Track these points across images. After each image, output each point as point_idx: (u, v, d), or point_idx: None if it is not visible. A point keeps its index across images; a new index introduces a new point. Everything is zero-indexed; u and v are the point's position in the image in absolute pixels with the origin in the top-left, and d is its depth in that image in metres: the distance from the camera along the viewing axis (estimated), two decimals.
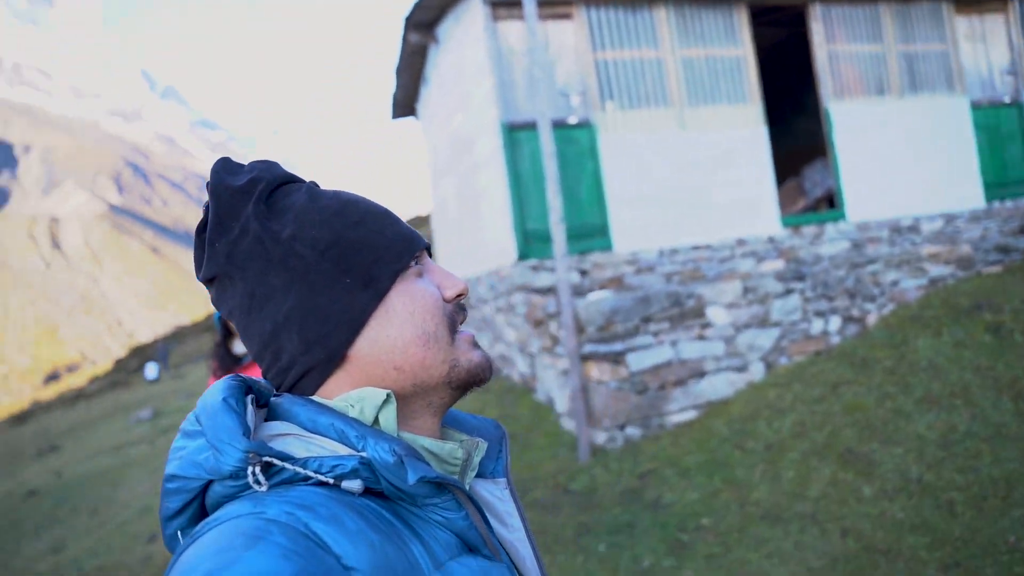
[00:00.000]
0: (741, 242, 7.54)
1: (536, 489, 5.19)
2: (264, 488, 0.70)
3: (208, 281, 0.84)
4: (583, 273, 7.06)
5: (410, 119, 11.63)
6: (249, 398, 0.79)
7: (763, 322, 5.78)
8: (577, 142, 7.24)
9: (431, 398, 0.84)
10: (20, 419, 37.79)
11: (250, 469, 0.70)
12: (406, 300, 0.82)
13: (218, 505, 0.73)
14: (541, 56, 7.31)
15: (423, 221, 34.08)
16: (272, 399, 0.83)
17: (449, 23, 8.30)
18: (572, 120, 7.23)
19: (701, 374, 5.59)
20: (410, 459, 0.74)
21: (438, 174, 10.46)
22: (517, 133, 7.08)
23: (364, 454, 0.74)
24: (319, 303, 0.80)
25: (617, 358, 5.44)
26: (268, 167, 0.86)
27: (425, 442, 0.82)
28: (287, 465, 0.71)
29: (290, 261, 0.80)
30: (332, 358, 0.81)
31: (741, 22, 7.83)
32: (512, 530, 0.90)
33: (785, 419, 4.99)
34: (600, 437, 5.45)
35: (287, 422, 0.79)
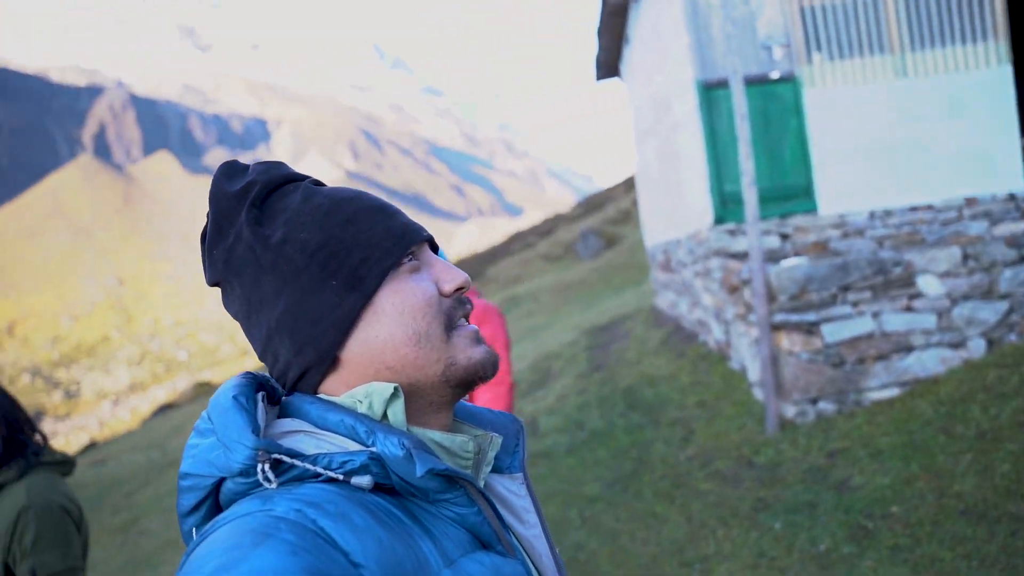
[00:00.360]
0: (971, 201, 6.74)
1: (719, 460, 5.08)
2: (274, 485, 0.71)
3: (214, 286, 0.87)
4: (784, 237, 6.69)
5: (615, 80, 11.51)
6: (260, 395, 0.80)
7: (987, 294, 5.17)
8: (780, 98, 6.81)
9: (431, 396, 0.83)
10: None
11: (259, 466, 0.71)
12: (396, 299, 0.81)
13: (231, 502, 0.74)
14: (740, 8, 6.93)
15: (628, 184, 33.68)
16: (284, 397, 0.84)
17: None
18: (774, 75, 6.80)
19: (908, 349, 5.12)
20: (418, 452, 0.73)
21: (641, 136, 10.30)
22: (714, 91, 6.79)
23: (374, 449, 0.74)
24: (308, 306, 0.80)
25: (810, 328, 5.13)
26: (266, 169, 0.86)
27: (435, 435, 0.82)
28: (296, 462, 0.72)
29: (280, 265, 0.81)
30: (323, 360, 0.81)
31: None
32: (529, 526, 0.89)
33: (1006, 405, 4.46)
34: (790, 410, 5.19)
35: (298, 419, 0.80)
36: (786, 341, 5.17)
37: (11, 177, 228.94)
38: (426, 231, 0.87)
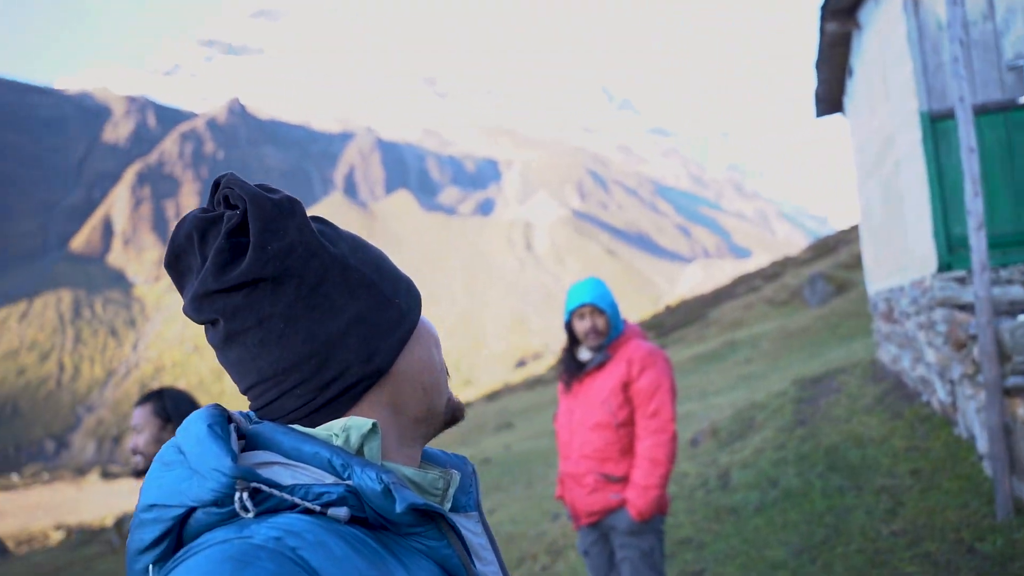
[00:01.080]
0: None
1: (930, 540, 4.41)
2: (251, 515, 0.70)
3: (241, 285, 0.79)
4: None
5: (837, 116, 10.74)
6: (232, 426, 0.79)
7: None
8: None
9: (429, 427, 0.90)
10: (491, 397, 43.98)
11: (237, 495, 0.70)
12: (424, 331, 0.90)
13: (198, 535, 0.72)
14: (980, 26, 6.16)
15: (845, 235, 31.33)
16: (252, 427, 0.82)
17: (870, 5, 7.46)
18: (1023, 100, 5.96)
19: None
20: (397, 487, 0.75)
21: (864, 175, 9.48)
22: (943, 123, 6.07)
23: (350, 482, 0.74)
24: (378, 318, 0.84)
25: None
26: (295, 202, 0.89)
27: (407, 471, 0.84)
28: (274, 492, 0.71)
29: (349, 275, 0.83)
30: (382, 370, 0.84)
31: None
32: (486, 563, 0.91)
33: None
34: None
35: (269, 451, 0.79)
36: (1022, 409, 4.41)
37: None
38: None
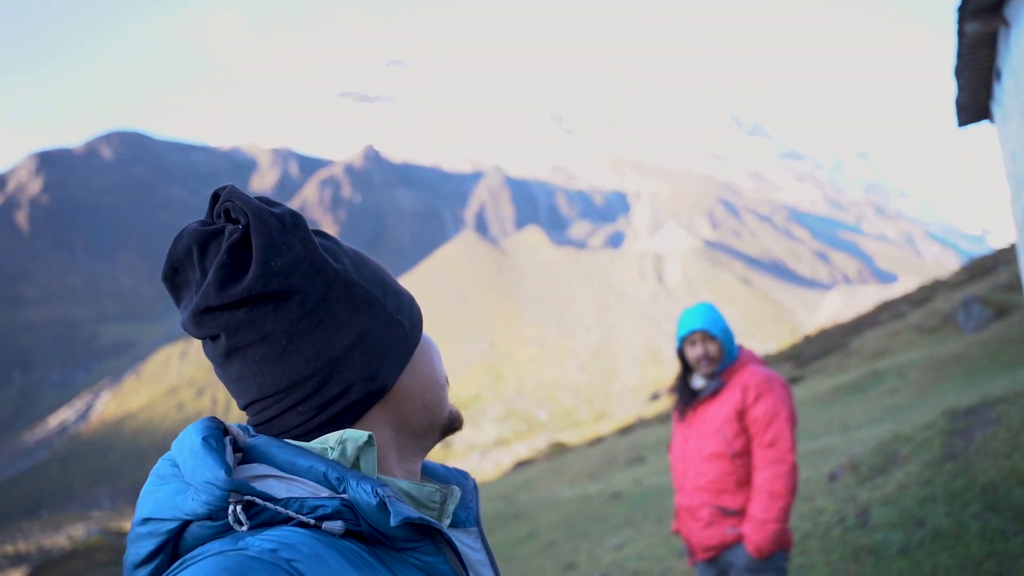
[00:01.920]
0: None
1: None
2: (245, 528, 0.70)
3: (244, 301, 0.78)
4: None
5: (982, 123, 9.96)
6: (228, 439, 0.79)
7: None
8: None
9: (430, 440, 0.90)
10: (624, 432, 43.36)
11: (231, 508, 0.70)
12: (426, 347, 0.90)
13: (192, 548, 0.72)
14: None
15: (1005, 254, 28.95)
16: (249, 441, 0.81)
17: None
18: None
19: None
20: (392, 501, 0.74)
21: (1018, 187, 8.72)
22: None
23: (345, 496, 0.74)
24: (383, 336, 0.83)
25: None
26: (298, 215, 0.88)
27: (403, 484, 0.83)
28: (269, 504, 0.71)
29: (353, 291, 0.82)
30: (386, 388, 0.84)
31: None
32: None
33: None
34: None
35: (264, 464, 0.78)
36: None
37: (410, 252, 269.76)
38: None
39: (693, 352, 3.27)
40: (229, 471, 0.72)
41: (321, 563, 0.66)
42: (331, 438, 0.79)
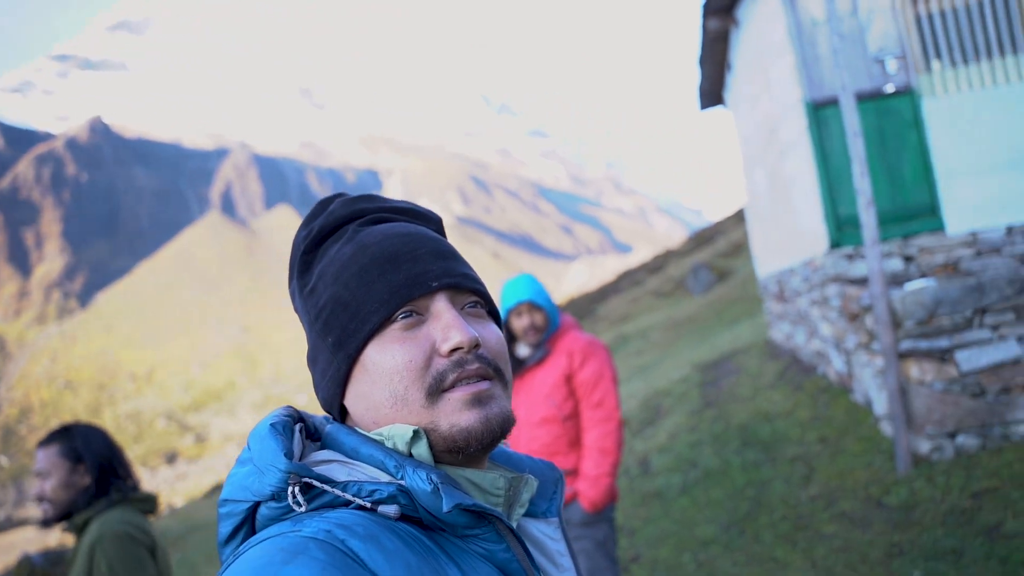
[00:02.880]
0: None
1: (844, 500, 4.69)
2: (303, 508, 0.72)
3: None
4: (907, 259, 6.24)
5: (720, 108, 11.24)
6: (298, 427, 0.83)
7: None
8: (897, 113, 6.42)
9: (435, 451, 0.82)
10: None
11: (290, 489, 0.73)
12: (378, 358, 0.81)
13: (264, 528, 0.75)
14: (848, 22, 6.62)
15: (739, 216, 32.81)
16: (327, 428, 0.86)
17: (747, 3, 7.86)
18: (889, 89, 6.43)
19: None
20: (446, 487, 0.74)
21: (749, 164, 9.96)
22: (824, 111, 6.47)
23: (403, 482, 0.75)
24: (317, 357, 0.87)
25: (943, 356, 4.71)
26: (335, 210, 0.90)
27: (467, 472, 0.82)
28: (326, 488, 0.73)
29: (305, 317, 0.88)
30: (330, 407, 0.87)
31: None
32: (562, 570, 0.90)
33: None
34: (924, 446, 4.75)
35: (333, 450, 0.82)
36: (915, 370, 4.76)
37: (150, 236, 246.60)
38: (448, 278, 0.84)
39: (520, 323, 3.41)
40: (290, 455, 0.75)
41: (375, 543, 0.68)
42: (384, 430, 0.81)
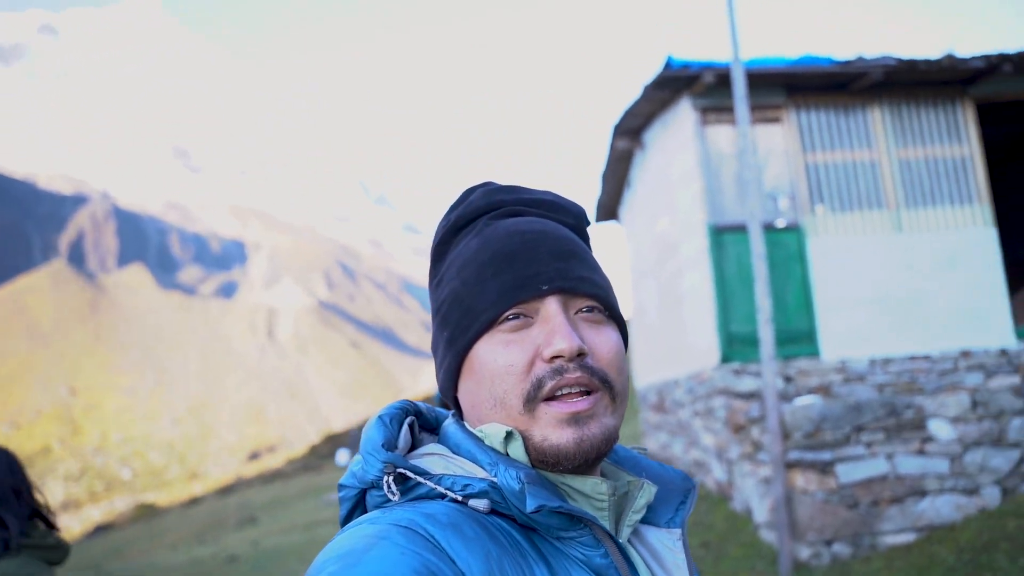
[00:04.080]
0: (966, 354, 6.93)
1: None
2: (396, 497, 0.75)
3: None
4: (787, 380, 6.78)
5: (612, 223, 11.92)
6: (409, 420, 0.86)
7: (997, 441, 5.23)
8: (784, 246, 7.10)
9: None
10: (226, 491, 40.86)
11: (385, 479, 0.76)
12: (484, 359, 0.81)
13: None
14: (750, 159, 7.35)
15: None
16: (444, 423, 0.89)
17: (656, 129, 8.55)
18: (780, 223, 7.12)
19: (922, 493, 5.11)
20: (532, 487, 0.73)
21: (639, 276, 10.56)
22: (723, 235, 7.07)
23: (495, 479, 0.76)
24: (437, 349, 0.89)
25: (825, 468, 5.12)
26: (477, 199, 0.91)
27: (565, 477, 0.80)
28: (420, 479, 0.76)
29: (431, 307, 0.91)
30: (447, 398, 0.89)
31: (966, 119, 7.46)
32: None
33: None
34: (804, 552, 5.08)
35: (441, 444, 0.86)
36: (801, 480, 5.13)
37: None
38: (561, 281, 0.82)
39: None
40: (390, 446, 0.79)
41: (456, 531, 0.70)
42: (486, 427, 0.81)
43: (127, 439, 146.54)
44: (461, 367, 0.84)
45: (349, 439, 40.43)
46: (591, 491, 0.80)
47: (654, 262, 9.35)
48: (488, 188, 0.91)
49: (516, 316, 0.81)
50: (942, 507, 5.07)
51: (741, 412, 6.05)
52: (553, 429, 0.78)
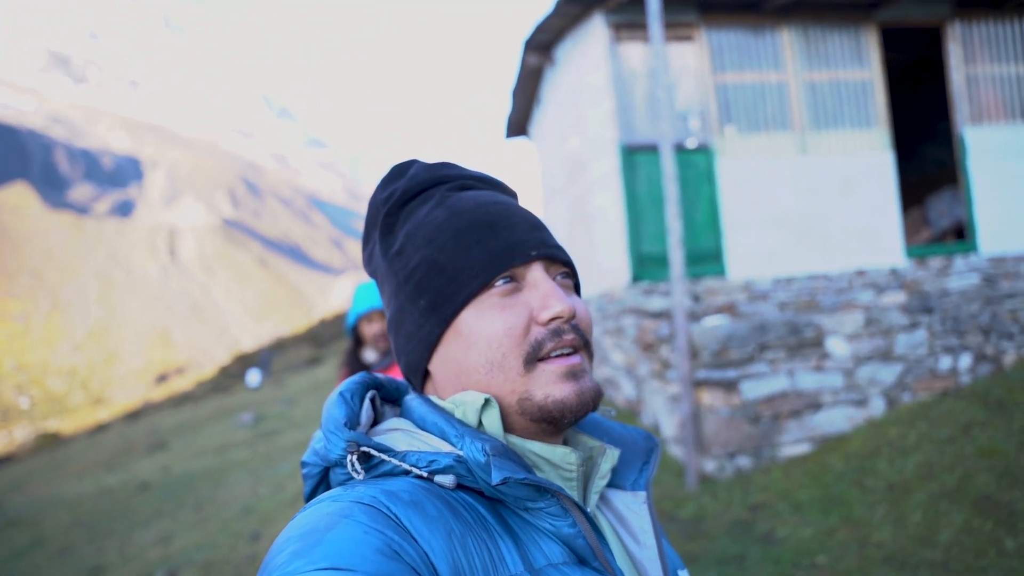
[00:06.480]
0: (861, 272, 7.25)
1: None
2: (361, 476, 0.74)
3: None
4: (695, 298, 6.95)
5: (523, 139, 11.77)
6: (370, 394, 0.85)
7: (886, 356, 5.53)
8: (694, 166, 7.15)
9: (514, 420, 0.81)
10: (133, 416, 39.94)
11: (348, 457, 0.74)
12: (475, 324, 0.81)
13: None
14: (663, 78, 7.30)
15: None
16: (406, 398, 0.87)
17: (567, 45, 8.37)
18: (690, 144, 7.15)
19: (817, 406, 5.38)
20: (498, 459, 0.73)
21: (550, 194, 10.52)
22: (635, 155, 7.06)
23: (460, 453, 0.75)
24: (404, 320, 0.85)
25: (730, 385, 5.30)
26: (418, 173, 0.89)
27: (534, 446, 0.81)
28: (384, 456, 0.75)
29: (392, 277, 0.87)
30: (414, 371, 0.86)
31: (870, 44, 7.59)
32: (644, 547, 0.87)
33: (909, 459, 4.73)
34: (709, 465, 5.31)
35: (404, 419, 0.84)
36: (707, 397, 5.31)
37: None
38: (544, 248, 0.83)
39: (370, 329, 3.41)
40: (352, 423, 0.78)
41: (418, 509, 0.69)
42: (456, 398, 0.81)
43: (22, 366, 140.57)
44: (442, 335, 0.83)
45: (259, 358, 39.84)
46: (560, 460, 0.81)
47: (565, 180, 9.31)
48: (425, 164, 0.91)
49: (507, 280, 0.82)
50: (835, 419, 5.36)
51: (651, 331, 6.18)
52: (555, 385, 0.79)
